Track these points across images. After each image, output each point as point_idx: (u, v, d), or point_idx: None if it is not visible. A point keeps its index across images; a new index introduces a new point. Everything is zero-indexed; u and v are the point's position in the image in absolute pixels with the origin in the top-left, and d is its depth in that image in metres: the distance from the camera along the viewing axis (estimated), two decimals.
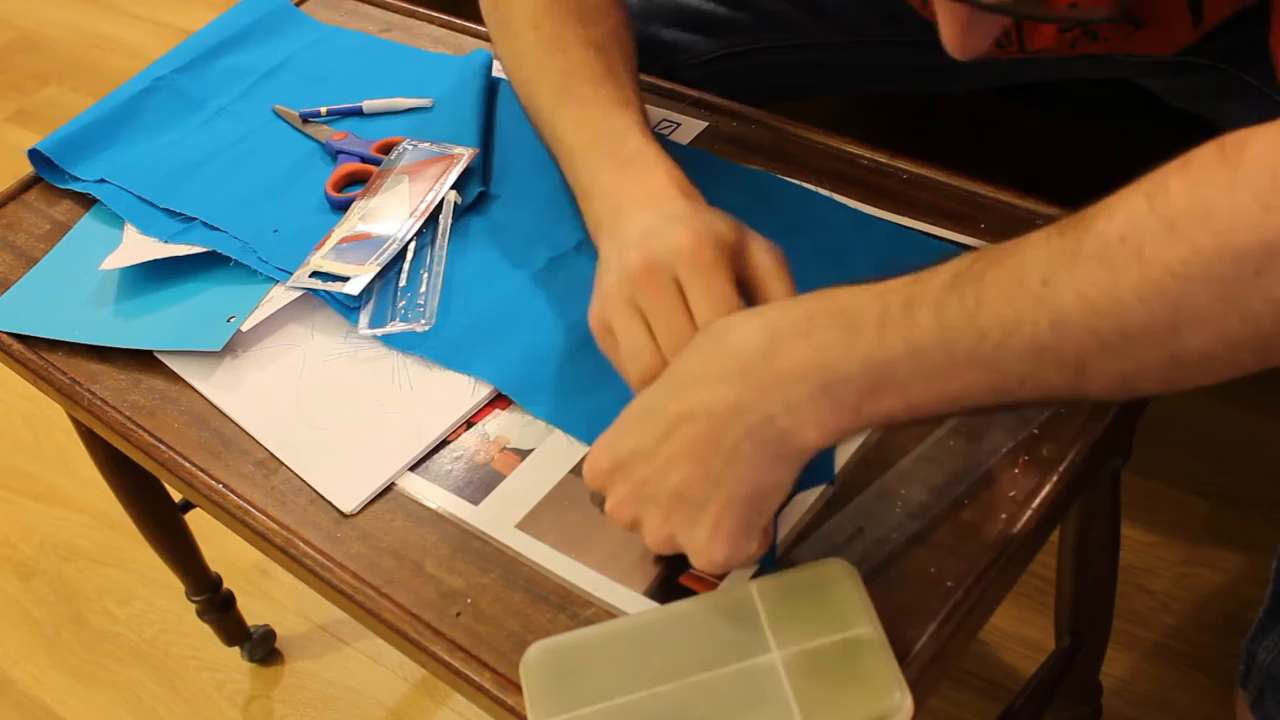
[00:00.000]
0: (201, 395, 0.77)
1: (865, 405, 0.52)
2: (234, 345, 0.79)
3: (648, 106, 0.89)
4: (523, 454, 0.70)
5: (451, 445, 0.71)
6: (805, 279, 0.74)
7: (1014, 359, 0.49)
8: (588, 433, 0.69)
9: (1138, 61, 0.85)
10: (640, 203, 0.66)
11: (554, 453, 0.69)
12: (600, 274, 0.65)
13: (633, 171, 0.69)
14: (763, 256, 0.63)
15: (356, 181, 0.88)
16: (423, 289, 0.79)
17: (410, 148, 0.88)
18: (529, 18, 0.78)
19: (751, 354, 0.54)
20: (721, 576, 0.62)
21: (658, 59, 0.97)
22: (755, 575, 0.61)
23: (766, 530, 0.59)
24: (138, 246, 0.86)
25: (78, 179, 0.93)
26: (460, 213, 0.84)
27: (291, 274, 0.81)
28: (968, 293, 0.50)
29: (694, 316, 0.60)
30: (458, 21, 1.02)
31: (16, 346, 0.83)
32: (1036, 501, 0.62)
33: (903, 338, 0.50)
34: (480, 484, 0.69)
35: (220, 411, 0.76)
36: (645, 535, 0.58)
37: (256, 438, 0.74)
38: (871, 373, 0.51)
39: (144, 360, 0.80)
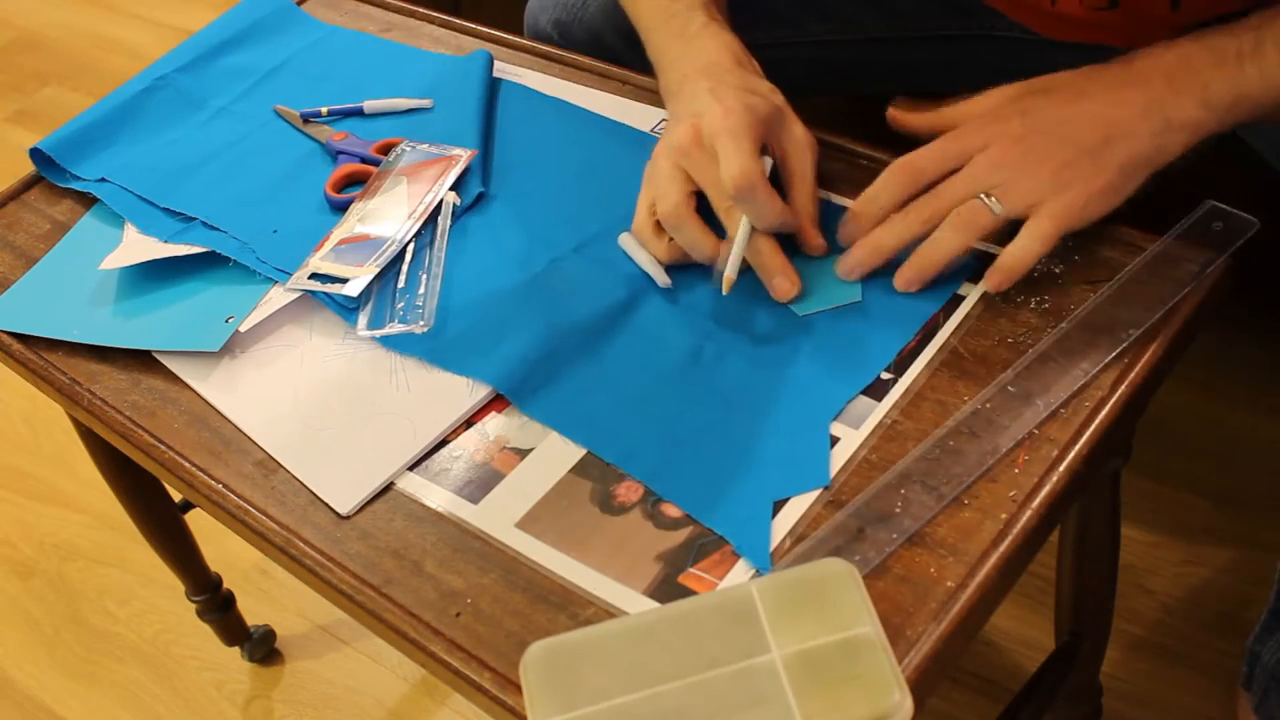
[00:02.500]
0: (200, 395, 0.77)
1: (1227, 115, 0.69)
2: (232, 346, 0.79)
3: (647, 106, 0.89)
4: (522, 453, 0.70)
5: (451, 445, 0.71)
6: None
7: None
8: (585, 435, 0.69)
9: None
10: (701, 70, 0.77)
11: (554, 452, 0.69)
12: (665, 133, 0.78)
13: (696, 46, 0.80)
14: (793, 137, 0.76)
15: (356, 182, 0.88)
16: (421, 290, 0.79)
17: (409, 149, 0.88)
18: None
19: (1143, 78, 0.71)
20: (723, 575, 0.62)
21: None
22: (755, 575, 0.61)
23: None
24: (137, 246, 0.86)
25: (78, 178, 0.93)
26: (459, 214, 0.84)
27: (290, 275, 0.81)
28: None
29: (721, 171, 0.72)
30: (457, 21, 1.02)
31: (16, 346, 0.83)
32: (1036, 501, 0.62)
33: (1257, 66, 0.68)
34: (480, 483, 0.69)
35: (219, 412, 0.76)
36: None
37: (254, 438, 0.74)
38: (1236, 90, 0.69)
39: (144, 360, 0.80)
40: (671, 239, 0.76)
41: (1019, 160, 0.71)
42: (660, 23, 0.82)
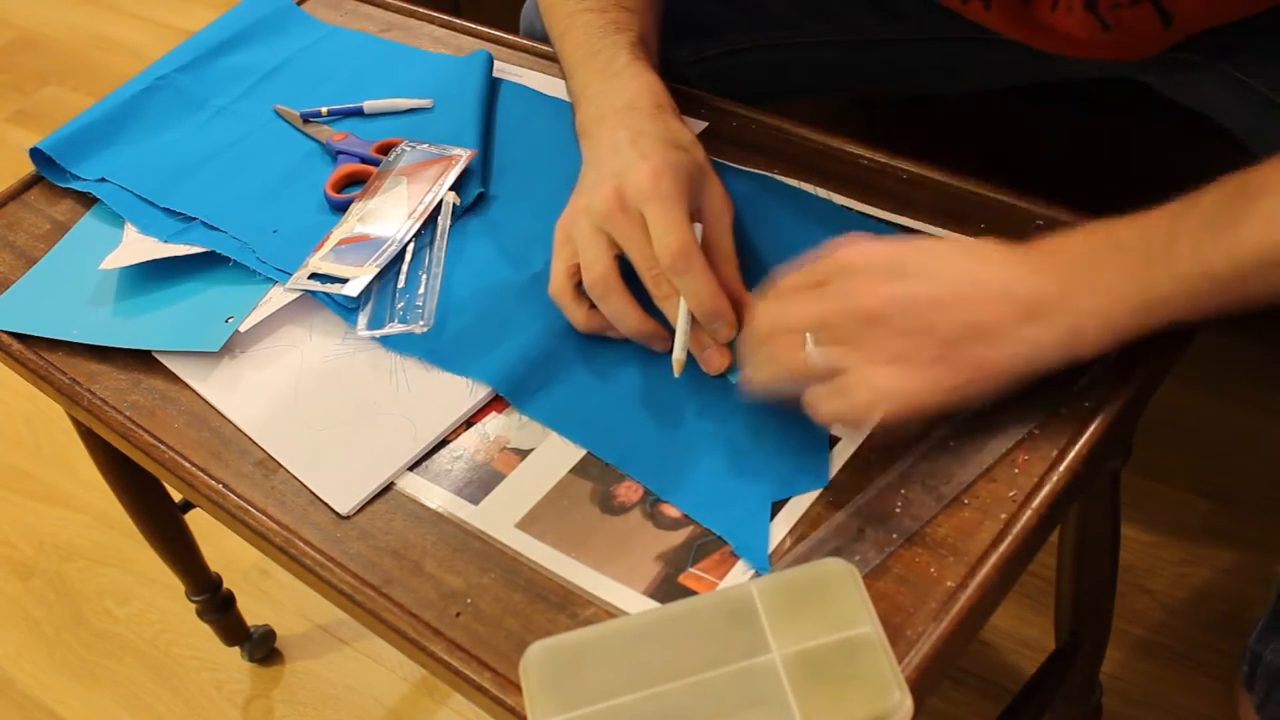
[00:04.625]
0: (200, 395, 0.77)
1: (1132, 325, 0.60)
2: (232, 346, 0.79)
3: None
4: (522, 454, 0.70)
5: (451, 445, 0.71)
6: None
7: (1271, 282, 0.58)
8: (584, 435, 0.69)
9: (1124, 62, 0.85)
10: (619, 111, 0.74)
11: (554, 452, 0.69)
12: (578, 189, 0.74)
13: (617, 85, 0.77)
14: (713, 198, 0.72)
15: (356, 182, 0.88)
16: (421, 290, 0.79)
17: (409, 149, 0.88)
18: None
19: (1034, 272, 0.62)
20: (723, 575, 0.62)
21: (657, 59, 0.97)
22: (755, 575, 0.61)
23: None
24: (137, 246, 0.86)
25: (79, 178, 0.93)
26: (459, 214, 0.84)
27: (290, 274, 0.81)
28: (1223, 230, 0.58)
29: (652, 239, 0.68)
30: (458, 21, 1.02)
31: (16, 346, 0.83)
32: (1036, 501, 0.62)
33: (1168, 270, 0.59)
34: (480, 484, 0.69)
35: (219, 412, 0.76)
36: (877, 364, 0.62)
37: (254, 438, 0.74)
38: (1144, 296, 0.60)
39: (144, 360, 0.80)
40: (592, 306, 0.72)
41: (869, 311, 0.62)
42: (583, 59, 0.80)
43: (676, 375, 0.69)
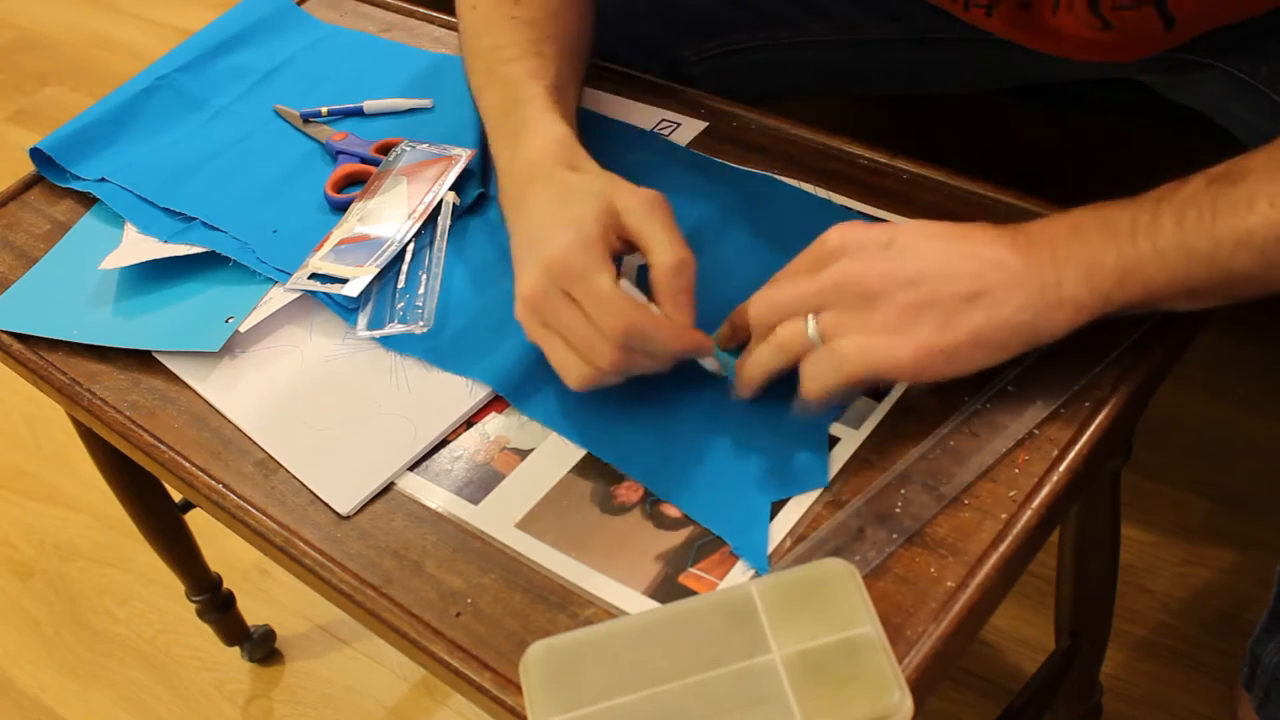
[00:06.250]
0: (200, 395, 0.77)
1: (1116, 293, 0.62)
2: (232, 346, 0.79)
3: (646, 105, 0.89)
4: (522, 454, 0.70)
5: (451, 445, 0.71)
6: None
7: (1243, 264, 0.59)
8: (583, 436, 0.69)
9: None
10: (525, 178, 0.72)
11: (554, 452, 0.69)
12: (515, 279, 0.70)
13: (521, 145, 0.74)
14: (637, 221, 0.68)
15: (356, 182, 0.88)
16: (421, 290, 0.79)
17: (408, 149, 0.88)
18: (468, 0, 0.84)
19: (1028, 243, 0.64)
20: (723, 575, 0.62)
21: (658, 58, 0.97)
22: (755, 575, 0.61)
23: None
24: (137, 246, 0.86)
25: (79, 178, 0.93)
26: (459, 214, 0.84)
27: (290, 275, 0.81)
28: (1205, 208, 0.60)
29: (592, 319, 0.65)
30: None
31: (16, 346, 0.83)
32: (1036, 501, 0.62)
33: (1151, 242, 0.61)
34: (480, 484, 0.69)
35: (219, 412, 0.76)
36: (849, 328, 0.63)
37: (254, 438, 0.74)
38: (1124, 264, 0.61)
39: (144, 360, 0.80)
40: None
41: (865, 287, 0.63)
42: (498, 122, 0.78)
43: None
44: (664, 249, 0.67)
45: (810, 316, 0.64)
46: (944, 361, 0.63)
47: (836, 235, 0.66)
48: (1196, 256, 0.60)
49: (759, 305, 0.67)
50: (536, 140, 0.73)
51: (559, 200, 0.69)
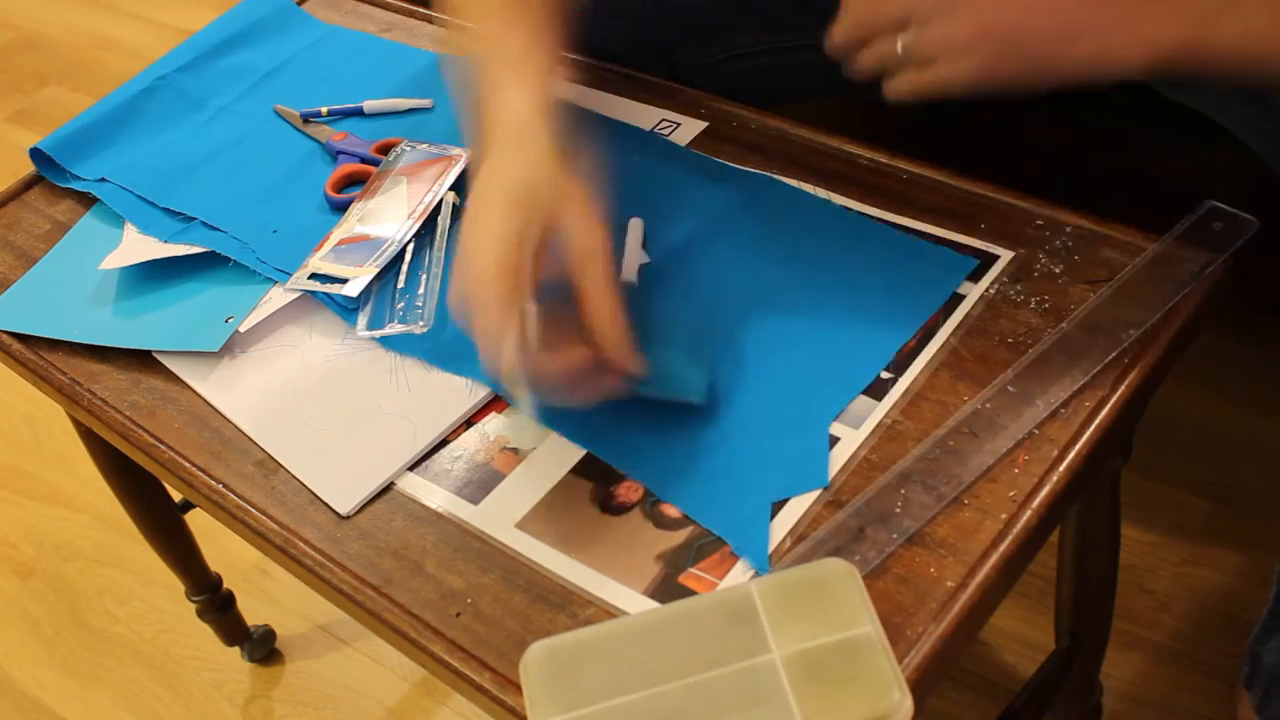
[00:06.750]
0: (200, 395, 0.77)
1: (1211, 27, 0.65)
2: (232, 346, 0.79)
3: (646, 105, 0.89)
4: (522, 454, 0.70)
5: (451, 445, 0.71)
6: (800, 282, 0.75)
7: None
8: (583, 436, 0.69)
9: None
10: (483, 150, 0.70)
11: (554, 453, 0.69)
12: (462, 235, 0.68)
13: (485, 112, 0.72)
14: (575, 246, 0.65)
15: (356, 182, 0.88)
16: (421, 290, 0.79)
17: (408, 149, 0.88)
18: None
19: None
20: (723, 575, 0.62)
21: (661, 60, 0.97)
22: (755, 575, 0.61)
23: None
24: (137, 246, 0.86)
25: (79, 178, 0.93)
26: (459, 214, 0.84)
27: (290, 275, 0.81)
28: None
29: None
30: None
31: (16, 346, 0.83)
32: (1036, 501, 0.62)
33: (1232, 25, 0.64)
34: (480, 484, 0.69)
35: (219, 412, 0.76)
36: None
37: (254, 438, 0.74)
38: (1200, 34, 0.65)
39: (144, 360, 0.80)
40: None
41: (949, 5, 0.69)
42: (483, 67, 0.74)
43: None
44: (596, 291, 0.65)
45: (899, 37, 0.70)
46: (1015, 78, 0.69)
47: None
48: (1268, 42, 0.64)
49: (855, 16, 0.72)
50: (500, 111, 0.71)
51: (504, 197, 0.66)
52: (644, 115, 0.89)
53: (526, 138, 0.70)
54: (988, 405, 0.66)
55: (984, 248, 0.74)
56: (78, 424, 0.99)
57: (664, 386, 0.69)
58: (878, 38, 0.71)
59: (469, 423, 0.72)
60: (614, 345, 0.65)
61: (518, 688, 0.58)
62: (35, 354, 0.82)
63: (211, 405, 0.76)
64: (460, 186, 0.84)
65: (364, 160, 0.89)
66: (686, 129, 0.87)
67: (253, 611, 1.32)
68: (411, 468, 0.71)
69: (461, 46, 0.79)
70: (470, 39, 0.78)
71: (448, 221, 0.83)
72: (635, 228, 0.79)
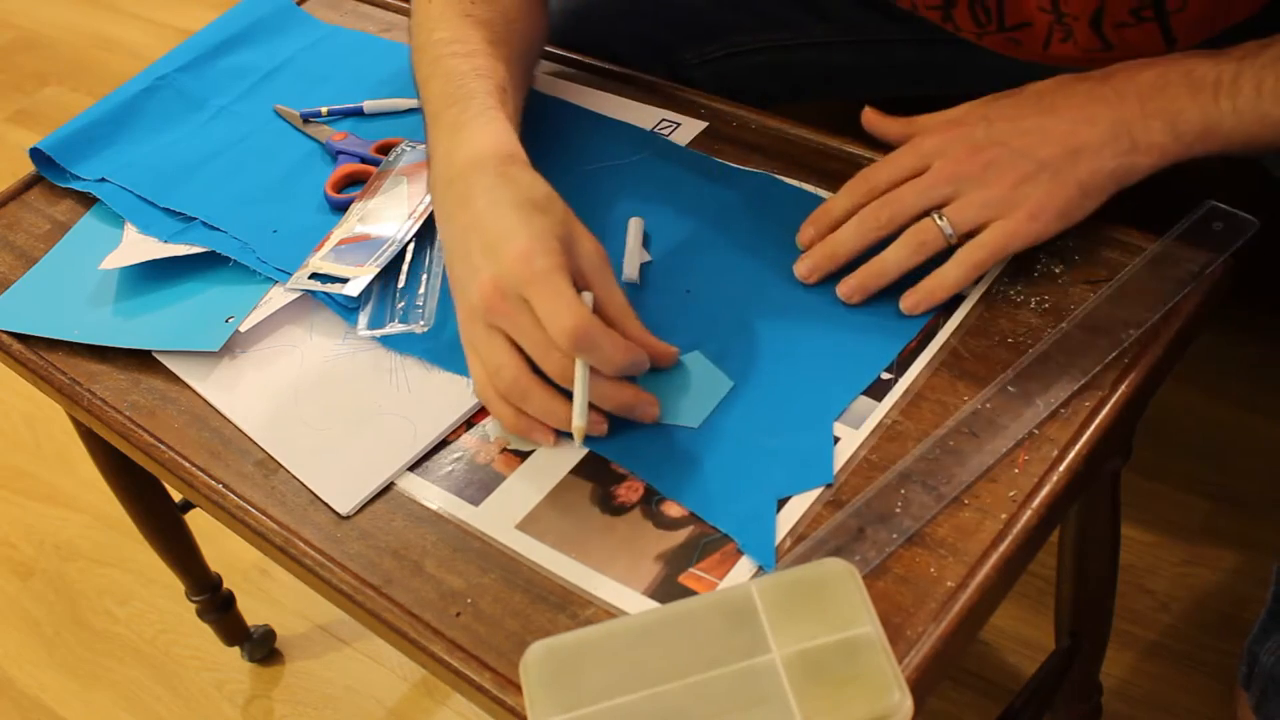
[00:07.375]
0: (200, 395, 0.77)
1: (1197, 144, 0.68)
2: (232, 346, 0.79)
3: (648, 106, 0.89)
4: (523, 455, 0.70)
5: (451, 446, 0.71)
6: (800, 282, 0.75)
7: None
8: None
9: None
10: (464, 172, 0.71)
11: (554, 453, 0.69)
12: (453, 282, 0.71)
13: (463, 137, 0.73)
14: (584, 252, 0.68)
15: (356, 182, 0.88)
16: (421, 290, 0.79)
17: (409, 149, 0.88)
18: None
19: (1116, 96, 0.70)
20: (724, 574, 0.62)
21: (660, 59, 0.97)
22: (755, 575, 0.61)
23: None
24: (137, 246, 0.86)
25: (79, 178, 0.93)
26: None
27: (290, 274, 0.81)
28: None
29: (545, 326, 0.65)
30: None
31: (16, 346, 0.83)
32: (1036, 501, 0.62)
33: (1231, 102, 0.67)
34: (480, 484, 0.69)
35: (219, 412, 0.76)
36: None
37: (254, 438, 0.74)
38: (1206, 122, 0.68)
39: (144, 360, 0.80)
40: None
41: (976, 172, 0.70)
42: (440, 110, 0.76)
43: (578, 444, 0.68)
44: (614, 293, 0.69)
45: (938, 218, 0.70)
46: (1057, 217, 0.69)
47: (932, 140, 0.72)
48: (1269, 121, 0.67)
49: (878, 206, 0.72)
50: (483, 136, 0.72)
51: (515, 202, 0.68)
52: (644, 115, 0.89)
53: (507, 167, 0.71)
54: (988, 405, 0.66)
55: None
56: (78, 424, 0.99)
57: (702, 401, 0.69)
58: (899, 217, 0.71)
59: (469, 423, 0.72)
60: (644, 342, 0.69)
61: (518, 688, 0.58)
62: (35, 354, 0.83)
63: (211, 405, 0.76)
64: None
65: (364, 160, 0.89)
66: (686, 129, 0.87)
67: (253, 611, 1.32)
68: (411, 468, 0.71)
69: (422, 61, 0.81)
70: (430, 58, 0.80)
71: None
72: (635, 227, 0.79)
